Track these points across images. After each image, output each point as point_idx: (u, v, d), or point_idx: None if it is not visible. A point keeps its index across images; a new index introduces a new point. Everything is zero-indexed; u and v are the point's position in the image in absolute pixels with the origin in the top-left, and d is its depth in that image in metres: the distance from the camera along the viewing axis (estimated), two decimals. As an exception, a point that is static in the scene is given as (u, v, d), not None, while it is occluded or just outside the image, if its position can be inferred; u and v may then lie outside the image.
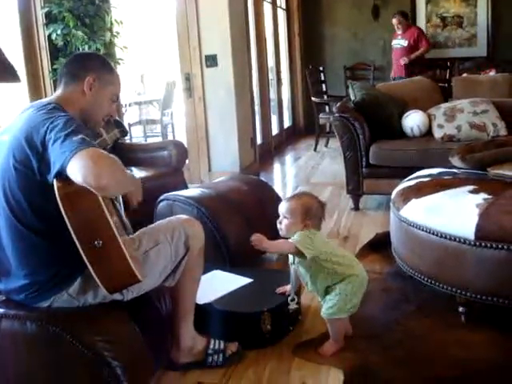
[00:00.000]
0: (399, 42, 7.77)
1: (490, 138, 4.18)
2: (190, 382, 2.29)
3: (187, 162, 4.81)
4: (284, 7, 8.85)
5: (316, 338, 2.53)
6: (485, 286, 2.42)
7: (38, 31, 4.40)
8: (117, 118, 4.58)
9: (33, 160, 1.80)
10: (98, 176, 1.64)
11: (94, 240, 1.72)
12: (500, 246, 2.32)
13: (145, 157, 4.44)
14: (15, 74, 3.12)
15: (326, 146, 7.69)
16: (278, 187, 5.55)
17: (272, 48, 8.19)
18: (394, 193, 3.05)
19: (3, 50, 3.04)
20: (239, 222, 3.24)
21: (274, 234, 2.43)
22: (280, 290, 2.64)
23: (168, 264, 2.13)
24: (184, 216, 2.39)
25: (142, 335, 2.02)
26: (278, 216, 2.42)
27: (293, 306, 2.58)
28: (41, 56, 4.42)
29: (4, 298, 2.04)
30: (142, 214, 2.53)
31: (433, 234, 2.54)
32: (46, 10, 4.31)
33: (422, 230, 2.60)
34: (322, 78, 8.30)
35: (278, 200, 3.26)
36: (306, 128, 9.22)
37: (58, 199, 1.71)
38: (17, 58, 4.10)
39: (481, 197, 2.58)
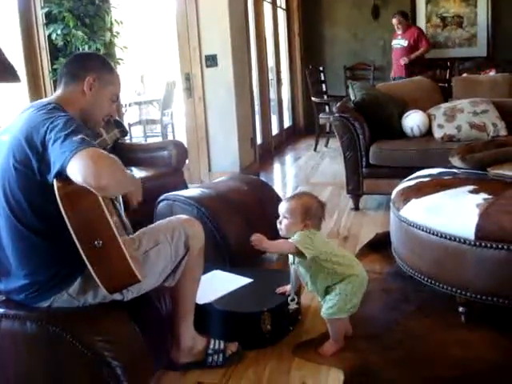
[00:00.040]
0: (399, 42, 7.77)
1: (490, 138, 4.18)
2: (189, 382, 2.29)
3: (187, 162, 4.81)
4: (284, 7, 8.85)
5: (316, 338, 2.53)
6: (485, 286, 2.42)
7: (38, 31, 4.40)
8: (117, 117, 4.58)
9: (33, 160, 1.80)
10: (98, 176, 1.64)
11: (93, 240, 1.72)
12: (500, 246, 2.32)
13: (145, 157, 4.44)
14: (15, 74, 3.12)
15: (326, 146, 7.69)
16: (277, 187, 5.55)
17: (272, 48, 8.19)
18: (393, 193, 3.05)
19: (3, 50, 3.04)
20: (239, 222, 3.24)
21: (274, 234, 2.43)
22: (280, 290, 2.64)
23: (168, 264, 2.13)
24: (184, 216, 2.39)
25: (142, 335, 2.02)
26: (278, 216, 2.43)
27: (293, 305, 2.58)
28: (41, 56, 4.42)
29: (4, 298, 2.04)
30: (142, 213, 2.54)
31: (433, 234, 2.54)
32: (46, 9, 4.31)
33: (422, 230, 2.60)
34: (322, 78, 8.30)
35: (278, 200, 3.26)
36: (305, 128, 9.22)
37: (58, 199, 1.71)
38: (17, 58, 4.10)
39: (481, 197, 2.58)
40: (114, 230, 1.75)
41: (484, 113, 4.40)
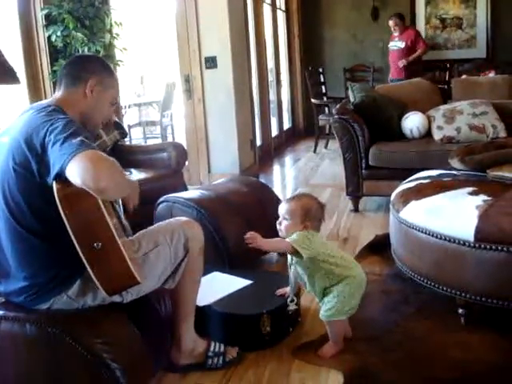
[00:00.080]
0: (396, 44, 7.77)
1: (490, 140, 4.17)
2: (189, 384, 2.30)
3: (187, 163, 4.81)
4: (283, 9, 8.86)
5: (316, 340, 2.53)
6: (484, 288, 2.42)
7: (37, 33, 4.40)
8: (116, 119, 4.58)
9: (32, 162, 1.80)
10: (97, 178, 1.64)
11: (93, 242, 1.72)
12: (499, 248, 2.32)
13: (144, 158, 4.44)
14: (15, 76, 3.12)
15: (326, 147, 7.69)
16: (277, 189, 5.56)
17: (271, 50, 8.20)
18: (393, 194, 3.05)
19: (3, 52, 3.04)
20: (239, 224, 3.24)
21: (273, 236, 2.43)
22: (280, 291, 2.63)
23: (167, 266, 2.13)
24: (183, 218, 2.38)
25: (142, 337, 2.02)
26: (278, 217, 2.43)
27: (292, 306, 2.58)
28: (40, 58, 4.42)
29: (3, 299, 2.04)
30: (141, 215, 2.53)
31: (432, 235, 2.54)
32: (46, 11, 4.31)
33: (422, 231, 2.60)
34: (322, 80, 8.31)
35: (278, 201, 3.26)
36: (305, 130, 9.23)
37: (57, 201, 1.71)
38: (16, 60, 4.10)
39: (480, 198, 2.58)
40: (114, 231, 1.75)
41: (483, 114, 4.40)
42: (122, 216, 2.13)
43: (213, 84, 5.65)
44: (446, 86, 6.43)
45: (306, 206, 2.39)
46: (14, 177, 1.85)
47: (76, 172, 1.65)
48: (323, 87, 8.30)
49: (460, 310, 2.59)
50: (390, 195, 3.12)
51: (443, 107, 4.65)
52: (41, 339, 1.90)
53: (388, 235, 3.14)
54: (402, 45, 7.69)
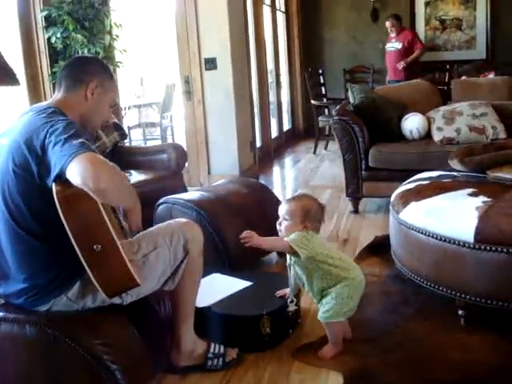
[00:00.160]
0: (393, 45, 7.78)
1: (490, 141, 4.17)
2: (189, 385, 2.30)
3: (186, 165, 4.81)
4: (283, 10, 8.86)
5: (315, 342, 2.53)
6: (484, 289, 2.42)
7: (37, 34, 4.40)
8: (116, 121, 4.59)
9: (32, 163, 1.80)
10: (97, 179, 1.65)
11: (92, 244, 1.73)
12: (499, 249, 2.32)
13: (144, 160, 4.44)
14: (15, 78, 3.12)
15: (326, 148, 7.69)
16: (277, 190, 5.55)
17: (271, 51, 8.20)
18: (393, 196, 3.05)
19: (3, 54, 3.04)
20: (239, 225, 3.23)
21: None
22: (279, 293, 2.63)
23: (167, 267, 2.13)
24: (183, 219, 2.38)
25: (141, 338, 2.02)
26: (278, 218, 2.43)
27: (292, 307, 2.58)
28: (40, 59, 4.43)
29: (3, 301, 2.04)
30: (141, 217, 2.53)
31: (432, 236, 2.54)
32: (46, 13, 4.31)
33: (422, 232, 2.60)
34: (322, 81, 8.31)
35: (278, 203, 3.25)
36: (305, 131, 9.23)
37: (57, 203, 1.71)
38: (16, 62, 4.10)
39: (480, 200, 2.58)
40: (113, 234, 1.75)
41: (483, 115, 4.40)
42: (122, 217, 2.12)
43: (212, 85, 5.65)
44: (445, 87, 6.41)
45: (306, 207, 2.39)
46: (13, 178, 1.85)
47: (76, 172, 1.66)
48: (323, 88, 8.30)
49: (460, 311, 2.59)
50: (389, 196, 3.12)
51: (443, 108, 4.65)
52: (40, 341, 1.90)
53: (388, 236, 3.14)
54: (399, 46, 7.70)
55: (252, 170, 6.07)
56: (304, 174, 6.42)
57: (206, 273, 2.50)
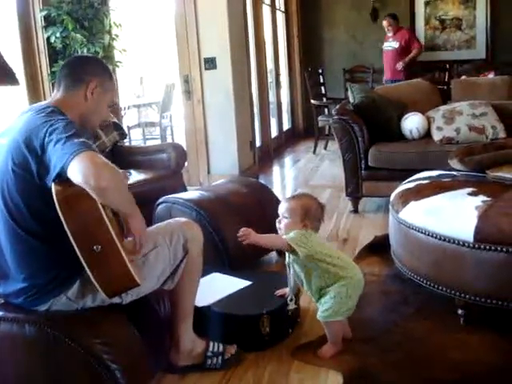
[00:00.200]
0: (390, 45, 7.78)
1: (489, 141, 4.17)
2: (188, 385, 2.29)
3: (186, 164, 4.81)
4: (283, 10, 8.86)
5: (315, 341, 2.53)
6: (484, 289, 2.42)
7: (36, 34, 4.40)
8: (115, 120, 4.59)
9: (31, 163, 1.80)
10: (98, 177, 1.65)
11: (92, 245, 1.72)
12: (499, 249, 2.32)
13: (144, 159, 4.44)
14: (14, 77, 3.12)
15: (325, 148, 7.69)
16: (277, 190, 5.55)
17: (271, 50, 8.20)
18: (393, 195, 3.05)
19: (2, 53, 3.04)
20: (238, 225, 3.22)
21: (273, 237, 2.43)
22: (279, 292, 2.63)
23: (167, 267, 2.13)
24: (183, 219, 2.39)
25: (141, 338, 2.02)
26: (278, 217, 2.43)
27: (291, 305, 2.58)
28: (40, 59, 4.42)
29: (3, 301, 2.04)
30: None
31: (432, 236, 2.54)
32: (45, 12, 4.31)
33: (421, 232, 2.60)
34: (321, 81, 8.31)
35: (277, 202, 3.24)
36: (305, 130, 9.22)
37: (56, 203, 1.71)
38: (16, 61, 4.10)
39: (480, 199, 2.58)
40: (113, 234, 1.74)
41: (483, 115, 4.40)
42: (121, 217, 2.12)
43: (212, 85, 5.65)
44: (445, 87, 6.41)
45: (305, 206, 2.40)
46: (13, 178, 1.85)
47: (78, 169, 1.66)
48: (323, 88, 8.30)
49: (459, 311, 2.59)
50: (389, 196, 3.12)
51: (443, 108, 4.65)
52: (40, 340, 1.90)
53: (387, 236, 3.14)
54: (396, 45, 7.70)
55: (252, 170, 6.06)
56: (304, 174, 6.42)
57: (205, 272, 2.50)
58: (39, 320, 1.91)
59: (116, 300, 1.98)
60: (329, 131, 7.50)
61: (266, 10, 7.87)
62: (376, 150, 4.39)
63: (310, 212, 2.39)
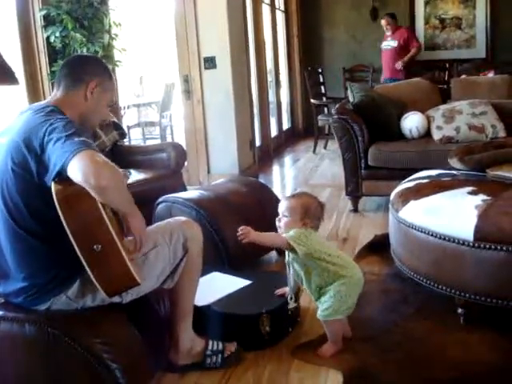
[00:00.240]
0: (389, 44, 7.78)
1: (489, 140, 4.17)
2: (188, 384, 2.29)
3: (186, 164, 4.81)
4: (283, 9, 8.86)
5: (315, 340, 2.53)
6: (484, 288, 2.42)
7: (36, 33, 4.39)
8: (115, 120, 4.58)
9: (31, 162, 1.80)
10: (98, 175, 1.65)
11: (92, 244, 1.72)
12: (499, 248, 2.32)
13: (144, 159, 4.44)
14: (13, 77, 3.11)
15: (325, 147, 7.69)
16: (276, 189, 5.55)
17: (271, 50, 8.19)
18: (392, 194, 3.05)
19: (2, 53, 3.04)
20: (238, 224, 3.22)
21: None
22: (279, 291, 2.63)
23: (166, 266, 2.13)
24: (183, 218, 2.39)
25: (141, 337, 2.02)
26: (278, 215, 2.43)
27: (292, 304, 2.58)
28: (39, 58, 4.42)
29: (3, 300, 2.04)
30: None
31: (431, 235, 2.54)
32: (45, 12, 4.30)
33: (421, 231, 2.60)
34: (321, 80, 8.30)
35: (277, 202, 3.24)
36: (304, 130, 9.22)
37: (56, 202, 1.71)
38: (15, 61, 4.09)
39: (480, 198, 2.58)
40: (113, 233, 1.74)
41: (483, 114, 4.40)
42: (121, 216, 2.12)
43: (212, 84, 5.64)
44: (445, 86, 6.41)
45: (305, 204, 2.40)
46: (12, 177, 1.85)
47: (78, 168, 1.66)
48: (322, 87, 8.29)
49: (459, 310, 2.59)
50: (389, 195, 3.12)
51: (442, 107, 4.65)
52: (40, 340, 1.90)
53: (387, 235, 3.14)
54: (394, 44, 7.70)
55: (251, 169, 6.06)
56: (303, 173, 6.42)
57: (205, 271, 2.50)
58: (39, 319, 1.91)
59: (116, 299, 1.98)
60: (328, 130, 7.50)
61: (265, 10, 7.87)
62: (376, 149, 4.39)
63: (310, 210, 2.39)
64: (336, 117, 4.50)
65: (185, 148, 4.79)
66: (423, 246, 2.62)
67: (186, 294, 2.26)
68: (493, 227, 2.36)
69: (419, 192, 2.85)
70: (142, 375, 2.05)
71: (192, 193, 3.53)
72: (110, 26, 4.68)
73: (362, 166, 4.44)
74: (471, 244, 2.38)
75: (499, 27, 8.41)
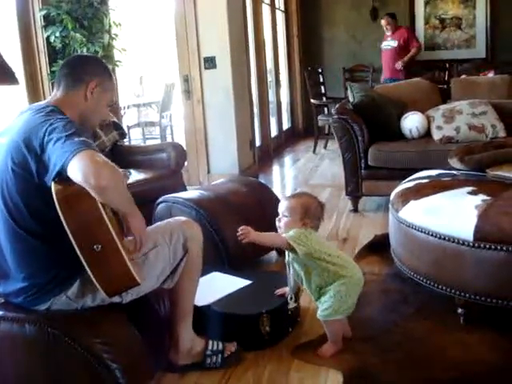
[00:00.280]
0: (389, 44, 7.78)
1: (489, 140, 4.17)
2: (188, 384, 2.29)
3: (186, 164, 4.81)
4: (282, 9, 8.86)
5: (315, 340, 2.53)
6: (484, 288, 2.42)
7: (36, 33, 4.39)
8: (115, 120, 4.58)
9: (31, 162, 1.80)
10: (98, 175, 1.65)
11: (92, 244, 1.72)
12: (499, 248, 2.32)
13: (144, 159, 4.44)
14: (13, 77, 3.11)
15: (325, 147, 7.69)
16: (276, 189, 5.55)
17: (271, 50, 8.19)
18: (392, 194, 3.05)
19: (2, 53, 3.04)
20: (238, 224, 3.22)
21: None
22: (279, 291, 2.63)
23: (166, 266, 2.13)
24: (182, 218, 2.39)
25: (141, 337, 2.02)
26: (278, 215, 2.43)
27: (292, 304, 2.58)
28: (39, 58, 4.42)
29: (3, 300, 2.04)
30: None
31: (431, 235, 2.54)
32: (44, 12, 4.30)
33: (421, 231, 2.60)
34: (321, 80, 8.30)
35: (277, 202, 3.24)
36: (304, 130, 9.22)
37: (56, 202, 1.71)
38: (15, 61, 4.09)
39: (480, 198, 2.58)
40: (113, 233, 1.74)
41: (483, 114, 4.40)
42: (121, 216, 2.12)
43: (212, 84, 5.64)
44: (445, 86, 6.42)
45: (306, 204, 2.40)
46: (12, 178, 1.85)
47: (78, 168, 1.66)
48: (322, 87, 8.29)
49: (459, 310, 2.59)
50: (389, 195, 3.12)
51: (442, 107, 4.65)
52: (40, 340, 1.90)
53: (387, 235, 3.14)
54: (394, 44, 7.69)
55: (251, 169, 6.06)
56: (303, 173, 6.42)
57: (205, 272, 2.50)
58: (39, 319, 1.91)
59: (116, 299, 1.98)
60: (328, 130, 7.50)
61: (265, 10, 7.87)
62: (376, 150, 4.39)
63: (310, 210, 2.39)
64: (336, 117, 4.50)
65: (185, 148, 4.79)
66: (423, 245, 2.62)
67: (186, 294, 2.26)
68: (493, 227, 2.36)
69: (419, 192, 2.85)
70: (142, 375, 2.05)
71: (192, 193, 3.53)
72: (109, 25, 4.69)
73: (362, 166, 4.44)
74: (471, 244, 2.38)
75: (499, 27, 8.41)
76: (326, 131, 7.68)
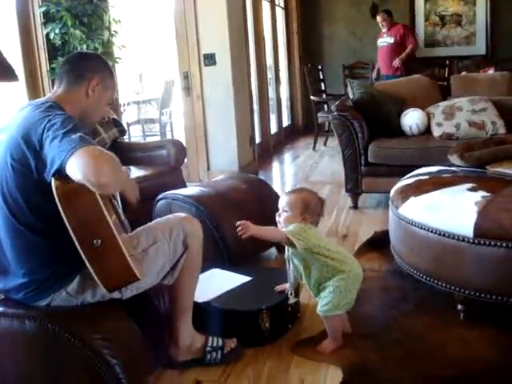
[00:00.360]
0: (385, 40, 7.75)
1: (489, 136, 4.17)
2: (188, 380, 2.29)
3: (186, 160, 4.81)
4: (282, 6, 8.85)
5: (315, 336, 2.53)
6: (483, 284, 2.42)
7: (35, 30, 4.39)
8: (115, 117, 4.58)
9: (30, 158, 1.80)
10: (98, 173, 1.64)
11: (92, 239, 1.72)
12: (499, 244, 2.32)
13: (143, 156, 4.44)
14: (13, 73, 3.11)
15: (325, 144, 7.70)
16: (276, 186, 5.54)
17: (270, 47, 8.18)
18: (392, 191, 3.05)
19: (1, 49, 3.04)
20: (238, 221, 3.23)
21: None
22: (279, 288, 2.64)
23: (166, 262, 2.13)
24: (182, 214, 2.38)
25: (141, 333, 2.02)
26: (278, 211, 2.44)
27: (292, 299, 2.58)
28: (39, 55, 4.41)
29: (3, 296, 2.04)
30: (140, 212, 2.53)
31: (431, 231, 2.54)
32: (44, 9, 4.29)
33: (421, 227, 2.60)
34: (321, 77, 8.30)
35: (277, 198, 3.24)
36: (304, 127, 9.22)
37: (56, 198, 1.71)
38: (15, 57, 4.09)
39: (479, 194, 2.58)
40: (113, 228, 1.75)
41: (483, 111, 4.40)
42: (121, 212, 2.12)
43: (212, 81, 5.64)
44: (445, 83, 6.41)
45: (306, 200, 2.41)
46: (12, 174, 1.85)
47: (77, 167, 1.65)
48: (322, 84, 8.28)
49: (459, 306, 2.59)
50: (389, 192, 3.12)
51: (442, 104, 4.65)
52: (40, 336, 1.90)
53: (387, 232, 3.14)
54: (390, 40, 7.67)
55: (251, 166, 6.06)
56: (303, 170, 6.42)
57: (205, 268, 2.50)
58: (39, 315, 1.91)
59: (116, 295, 1.99)
60: (328, 127, 7.50)
61: (265, 6, 7.86)
62: (376, 146, 4.39)
63: (310, 206, 2.39)
64: (336, 113, 4.50)
65: (184, 145, 4.79)
66: (423, 242, 2.62)
67: (186, 290, 2.26)
68: (493, 223, 2.36)
69: (419, 189, 2.85)
70: (142, 371, 2.05)
71: (192, 189, 3.53)
72: (109, 22, 4.68)
73: (362, 162, 4.44)
74: (471, 240, 2.38)
75: (499, 24, 8.41)
76: (326, 128, 7.68)
